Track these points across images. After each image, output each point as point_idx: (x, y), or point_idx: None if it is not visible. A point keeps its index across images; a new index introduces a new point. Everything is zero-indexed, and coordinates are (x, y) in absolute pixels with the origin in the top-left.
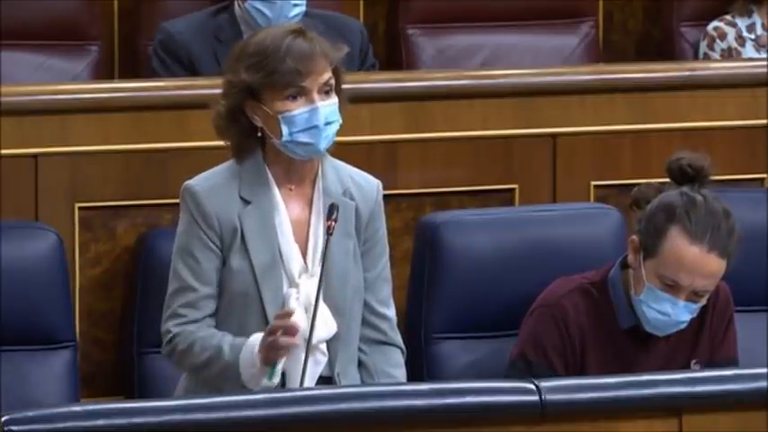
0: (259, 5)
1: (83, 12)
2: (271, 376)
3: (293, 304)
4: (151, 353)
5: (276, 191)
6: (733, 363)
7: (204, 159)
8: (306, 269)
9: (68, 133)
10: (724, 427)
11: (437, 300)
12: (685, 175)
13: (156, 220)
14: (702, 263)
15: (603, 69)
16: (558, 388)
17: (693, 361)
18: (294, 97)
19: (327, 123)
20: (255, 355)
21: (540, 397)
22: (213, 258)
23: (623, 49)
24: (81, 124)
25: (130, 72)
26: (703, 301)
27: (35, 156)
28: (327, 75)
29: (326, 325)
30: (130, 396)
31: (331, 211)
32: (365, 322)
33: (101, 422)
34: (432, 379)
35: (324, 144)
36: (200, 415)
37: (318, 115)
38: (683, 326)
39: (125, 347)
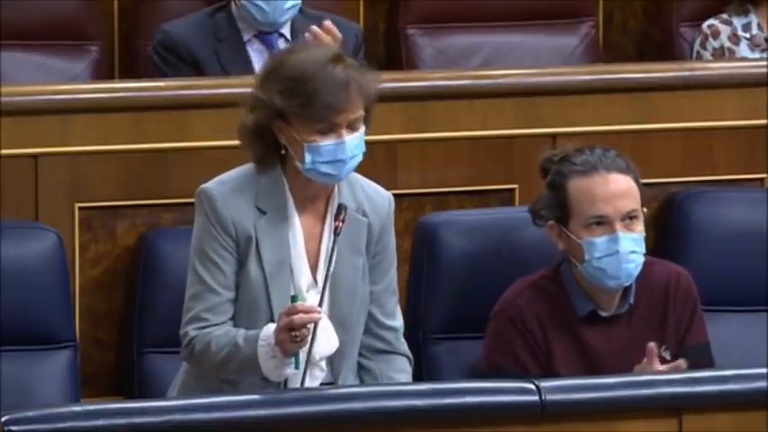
0: (256, 1)
1: (83, 12)
2: (297, 365)
3: None
4: (151, 353)
5: (292, 203)
6: (704, 348)
7: (204, 159)
8: (314, 283)
9: (68, 133)
10: (724, 427)
11: (436, 300)
12: (552, 163)
13: (156, 220)
14: (609, 184)
15: (603, 69)
16: (558, 388)
17: (663, 347)
18: (324, 131)
19: (352, 157)
20: (273, 347)
21: (540, 397)
22: (232, 262)
23: (623, 49)
24: (81, 124)
25: (130, 72)
26: (641, 228)
27: (35, 156)
28: (360, 112)
29: (329, 342)
30: (130, 396)
31: (339, 211)
32: (371, 333)
33: (101, 422)
34: (432, 379)
35: (345, 174)
36: (200, 415)
37: (345, 150)
38: (640, 260)
39: (125, 347)
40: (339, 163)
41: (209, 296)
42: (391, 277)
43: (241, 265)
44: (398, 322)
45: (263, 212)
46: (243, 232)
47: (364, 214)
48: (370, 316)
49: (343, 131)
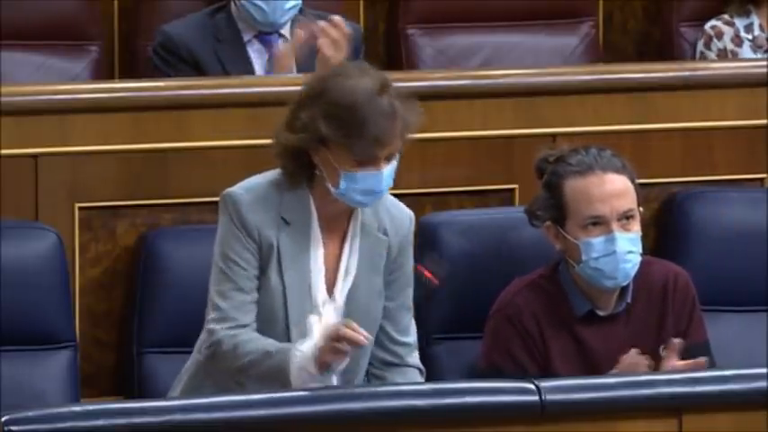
0: (256, 1)
1: (83, 12)
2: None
3: (315, 331)
4: (151, 353)
5: (315, 218)
6: (704, 347)
7: (204, 159)
8: (330, 299)
9: (68, 133)
10: (724, 427)
11: (436, 300)
12: (548, 163)
13: (156, 220)
14: (605, 184)
15: (603, 69)
16: (558, 388)
17: (662, 347)
18: (363, 163)
19: (385, 187)
20: (309, 360)
21: (540, 397)
22: (255, 265)
23: (623, 49)
24: (81, 124)
25: (130, 72)
26: (638, 228)
27: (35, 156)
28: (399, 144)
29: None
30: (130, 396)
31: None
32: (383, 347)
33: (101, 422)
34: (432, 379)
35: (374, 202)
36: (200, 415)
37: (381, 181)
38: (637, 260)
39: (125, 347)
40: (373, 193)
41: (235, 294)
42: (407, 294)
43: (262, 271)
44: (412, 338)
45: (288, 223)
46: (266, 240)
47: (385, 233)
48: (383, 331)
49: (382, 164)
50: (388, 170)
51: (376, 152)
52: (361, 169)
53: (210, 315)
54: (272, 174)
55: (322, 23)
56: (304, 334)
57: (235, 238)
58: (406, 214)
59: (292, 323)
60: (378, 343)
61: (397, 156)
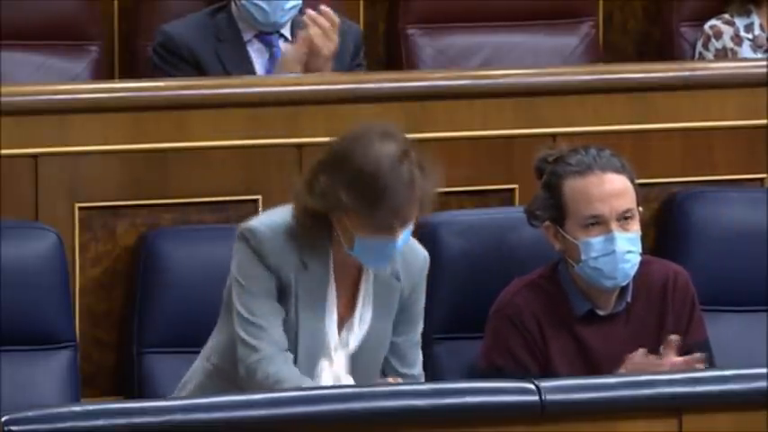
0: (256, 1)
1: (83, 12)
2: None
3: (325, 376)
4: (151, 353)
5: (332, 264)
6: (704, 346)
7: (204, 159)
8: (342, 345)
9: (68, 133)
10: (724, 427)
11: (437, 300)
12: (547, 163)
13: (156, 220)
14: (605, 184)
15: (603, 69)
16: (558, 388)
17: (662, 346)
18: (379, 231)
19: (398, 253)
20: None
21: (540, 397)
22: (275, 296)
23: (623, 49)
24: (81, 124)
25: (130, 72)
26: (637, 227)
27: (35, 156)
28: (416, 213)
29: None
30: (130, 396)
31: None
32: (387, 376)
33: (101, 422)
34: (432, 379)
35: (387, 264)
36: (200, 415)
37: (395, 248)
38: (636, 259)
39: (125, 347)
40: (386, 258)
41: (267, 329)
42: (416, 330)
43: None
44: (417, 370)
45: (306, 266)
46: (285, 279)
47: (398, 277)
48: (388, 363)
49: (397, 231)
50: (403, 237)
51: (393, 223)
52: (376, 236)
53: (246, 345)
54: (291, 211)
55: (310, 12)
56: (309, 374)
57: (257, 269)
58: (420, 256)
59: (299, 362)
60: (382, 371)
61: (413, 222)
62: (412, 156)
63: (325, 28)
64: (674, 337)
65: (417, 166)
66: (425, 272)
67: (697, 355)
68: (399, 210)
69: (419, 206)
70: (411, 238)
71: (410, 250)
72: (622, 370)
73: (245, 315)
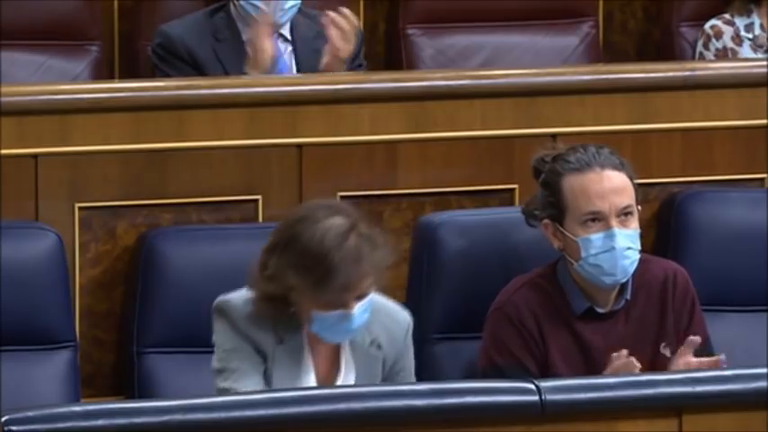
0: (254, 1)
1: (83, 12)
2: None
3: None
4: (151, 353)
5: (306, 337)
6: (705, 344)
7: (204, 159)
8: None
9: (68, 133)
10: (724, 427)
11: (436, 300)
12: (545, 163)
13: (156, 220)
14: (604, 181)
15: (603, 69)
16: (558, 388)
17: (662, 345)
18: (332, 307)
19: (358, 326)
20: None
21: (540, 397)
22: (258, 364)
23: (623, 49)
24: (81, 124)
25: (130, 72)
26: (636, 225)
27: (35, 156)
28: (369, 281)
29: None
30: (130, 396)
31: None
32: None
33: (101, 422)
34: (431, 379)
35: (348, 338)
36: (200, 415)
37: (352, 321)
38: (635, 256)
39: (125, 347)
40: (346, 332)
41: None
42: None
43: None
44: None
45: (281, 341)
46: (262, 352)
47: (378, 347)
48: None
49: (352, 304)
50: (360, 308)
51: (344, 298)
52: (331, 311)
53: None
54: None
55: (331, 14)
56: None
57: (233, 339)
58: (400, 321)
59: None
60: None
61: (372, 291)
62: (359, 228)
63: (345, 30)
64: (694, 338)
65: (366, 239)
66: (410, 334)
67: (715, 357)
68: (348, 285)
69: (372, 274)
70: (389, 302)
71: (389, 318)
72: (607, 371)
73: (224, 387)
